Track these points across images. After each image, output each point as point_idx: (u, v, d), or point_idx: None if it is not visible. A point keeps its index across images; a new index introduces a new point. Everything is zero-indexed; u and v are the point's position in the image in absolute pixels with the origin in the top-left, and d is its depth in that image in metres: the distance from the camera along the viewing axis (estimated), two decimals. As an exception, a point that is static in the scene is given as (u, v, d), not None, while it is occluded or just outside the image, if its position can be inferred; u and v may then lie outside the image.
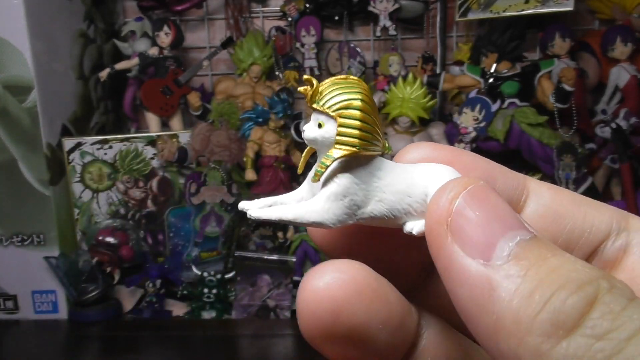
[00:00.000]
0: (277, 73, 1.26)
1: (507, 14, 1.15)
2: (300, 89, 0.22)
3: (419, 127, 1.17)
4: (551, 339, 0.15)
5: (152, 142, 1.17)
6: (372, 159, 0.21)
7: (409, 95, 1.14)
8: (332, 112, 0.21)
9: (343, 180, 0.21)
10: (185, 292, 1.14)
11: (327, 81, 0.22)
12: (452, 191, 0.19)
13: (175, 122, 1.25)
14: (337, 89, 0.21)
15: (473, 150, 1.13)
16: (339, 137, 0.21)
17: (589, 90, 1.22)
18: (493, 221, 0.18)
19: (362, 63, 1.29)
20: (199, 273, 1.13)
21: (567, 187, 1.06)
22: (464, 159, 0.23)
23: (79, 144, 1.15)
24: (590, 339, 0.15)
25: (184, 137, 1.18)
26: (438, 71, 1.25)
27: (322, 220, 0.21)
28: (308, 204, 0.21)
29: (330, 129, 0.21)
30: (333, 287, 0.19)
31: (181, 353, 0.99)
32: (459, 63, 1.23)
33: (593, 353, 0.15)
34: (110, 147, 1.16)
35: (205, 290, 1.11)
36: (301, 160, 0.23)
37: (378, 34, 1.27)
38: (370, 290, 0.20)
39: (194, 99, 1.23)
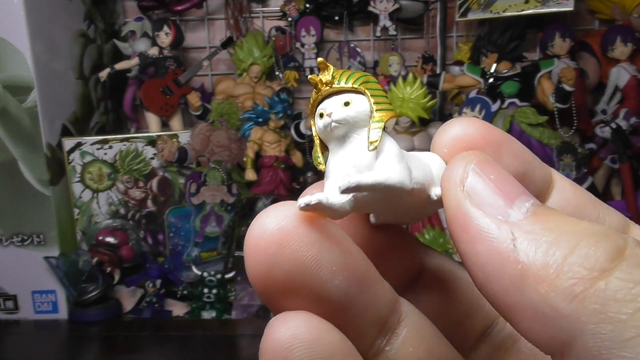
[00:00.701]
0: (277, 73, 1.26)
1: (507, 14, 1.15)
2: (313, 76, 0.22)
3: (419, 127, 1.17)
4: (584, 281, 0.15)
5: (152, 142, 1.17)
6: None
7: (409, 95, 1.14)
8: (359, 85, 0.21)
9: (392, 145, 0.21)
10: (185, 292, 1.13)
11: (330, 68, 0.22)
12: (465, 159, 0.19)
13: (175, 122, 1.25)
14: (344, 72, 0.22)
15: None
16: (377, 105, 0.21)
17: (589, 90, 1.22)
18: (507, 185, 0.18)
19: (362, 63, 1.29)
20: (199, 273, 1.13)
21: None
22: (513, 147, 0.22)
23: (79, 144, 1.15)
24: (628, 282, 0.14)
25: (184, 137, 1.18)
26: (438, 71, 1.25)
27: (402, 180, 0.20)
28: (379, 170, 0.20)
29: (361, 102, 0.21)
30: (280, 217, 0.18)
31: (181, 353, 0.99)
32: (459, 63, 1.23)
33: (633, 297, 0.14)
34: (110, 147, 1.16)
35: (205, 290, 1.11)
36: (318, 153, 0.22)
37: (378, 34, 1.27)
38: (321, 227, 0.19)
39: (194, 99, 1.23)
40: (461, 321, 0.24)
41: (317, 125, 0.22)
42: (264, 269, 0.18)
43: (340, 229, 0.20)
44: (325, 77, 0.21)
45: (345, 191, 0.19)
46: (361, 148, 0.21)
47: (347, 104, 0.21)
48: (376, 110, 0.21)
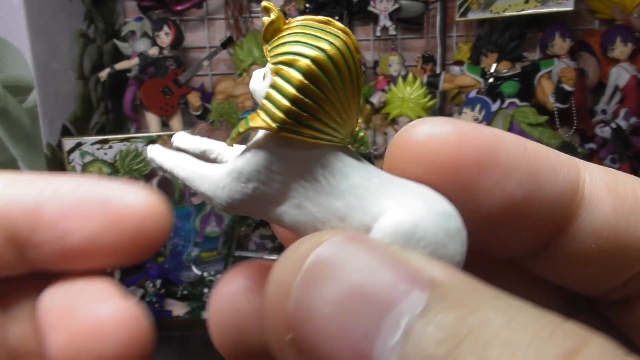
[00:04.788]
0: (277, 73, 1.26)
1: (507, 14, 1.15)
2: (264, 19, 0.16)
3: (419, 127, 1.17)
4: None
5: (152, 142, 1.17)
6: (318, 147, 0.15)
7: (409, 95, 1.14)
8: (272, 63, 0.15)
9: (255, 160, 0.16)
10: (185, 292, 1.14)
11: (300, 19, 0.16)
12: (286, 271, 0.12)
13: (175, 122, 1.25)
14: (301, 33, 0.15)
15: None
16: (264, 102, 0.15)
17: (589, 90, 1.22)
18: (360, 309, 0.11)
19: (362, 63, 1.29)
20: (199, 273, 1.13)
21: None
22: (505, 154, 0.16)
23: (79, 144, 1.15)
24: None
25: (184, 137, 1.18)
26: (438, 71, 1.25)
27: (212, 196, 0.16)
28: (210, 167, 0.17)
29: (266, 86, 0.15)
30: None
31: (181, 353, 0.99)
32: (459, 63, 1.23)
33: None
34: (110, 147, 1.16)
35: (206, 290, 1.11)
36: (234, 131, 0.16)
37: (378, 34, 1.27)
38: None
39: (194, 99, 1.23)
40: None
41: None
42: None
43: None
44: (265, 26, 0.16)
45: (150, 154, 0.18)
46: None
47: (265, 76, 0.16)
48: (259, 108, 0.15)
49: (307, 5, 1.27)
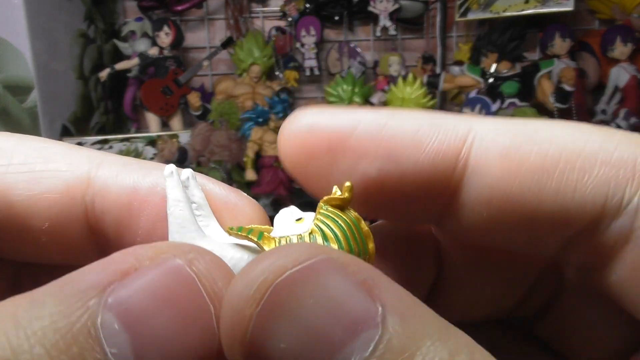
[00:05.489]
0: (277, 73, 1.26)
1: (507, 14, 1.15)
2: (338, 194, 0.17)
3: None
4: None
5: (152, 142, 1.17)
6: None
7: (409, 95, 1.14)
8: (316, 221, 0.17)
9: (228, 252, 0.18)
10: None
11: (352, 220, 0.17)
12: (246, 301, 0.13)
13: (175, 122, 1.25)
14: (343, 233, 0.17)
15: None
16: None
17: (589, 90, 1.22)
18: (313, 348, 0.12)
19: (362, 63, 1.29)
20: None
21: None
22: (356, 136, 0.16)
23: (79, 144, 1.15)
24: None
25: (184, 137, 1.18)
26: (438, 71, 1.25)
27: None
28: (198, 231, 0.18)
29: (302, 230, 0.17)
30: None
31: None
32: (459, 63, 1.23)
33: None
34: (111, 147, 1.16)
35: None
36: (242, 232, 0.17)
37: (378, 34, 1.27)
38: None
39: (194, 99, 1.23)
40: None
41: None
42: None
43: None
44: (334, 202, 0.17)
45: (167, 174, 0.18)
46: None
47: (300, 220, 0.18)
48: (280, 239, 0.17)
49: (307, 5, 1.27)
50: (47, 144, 0.18)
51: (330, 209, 0.17)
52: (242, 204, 0.18)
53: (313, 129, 0.16)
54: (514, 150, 0.15)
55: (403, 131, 0.16)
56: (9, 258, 0.18)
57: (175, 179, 0.18)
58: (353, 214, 0.17)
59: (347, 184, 0.16)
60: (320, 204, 0.17)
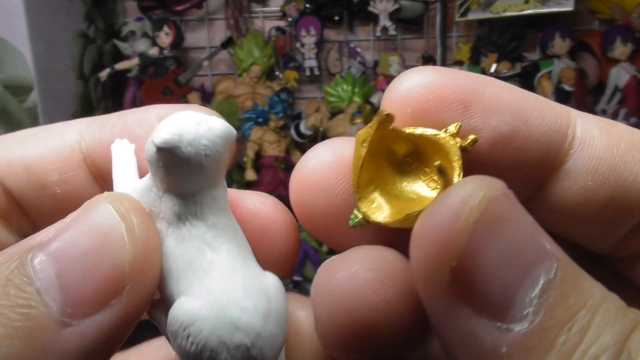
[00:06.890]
0: (277, 73, 1.26)
1: (507, 14, 1.15)
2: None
3: (419, 127, 1.18)
4: None
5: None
6: None
7: (409, 95, 1.14)
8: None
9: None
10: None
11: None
12: (464, 211, 0.14)
13: (175, 122, 1.25)
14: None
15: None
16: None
17: (589, 90, 1.22)
18: (513, 261, 0.14)
19: (362, 63, 1.29)
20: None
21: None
22: (490, 93, 0.17)
23: (79, 144, 1.15)
24: None
25: (184, 137, 1.18)
26: (438, 71, 1.25)
27: None
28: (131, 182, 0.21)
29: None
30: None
31: (181, 353, 0.99)
32: (459, 63, 1.23)
33: None
34: (110, 147, 1.16)
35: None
36: (358, 163, 0.18)
37: (378, 34, 1.27)
38: None
39: (194, 99, 1.23)
40: None
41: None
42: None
43: None
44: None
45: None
46: None
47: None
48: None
49: (307, 5, 1.27)
50: (48, 126, 0.22)
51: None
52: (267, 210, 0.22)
53: (445, 81, 0.17)
54: (612, 129, 0.17)
55: (528, 96, 0.18)
56: (33, 215, 0.21)
57: (119, 147, 0.21)
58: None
59: (472, 136, 0.17)
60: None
